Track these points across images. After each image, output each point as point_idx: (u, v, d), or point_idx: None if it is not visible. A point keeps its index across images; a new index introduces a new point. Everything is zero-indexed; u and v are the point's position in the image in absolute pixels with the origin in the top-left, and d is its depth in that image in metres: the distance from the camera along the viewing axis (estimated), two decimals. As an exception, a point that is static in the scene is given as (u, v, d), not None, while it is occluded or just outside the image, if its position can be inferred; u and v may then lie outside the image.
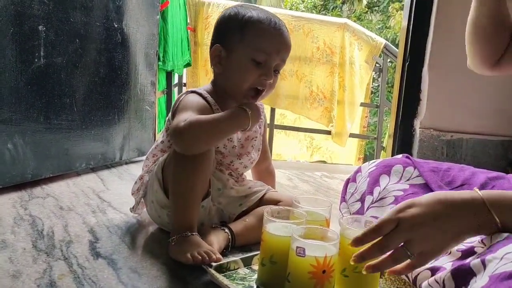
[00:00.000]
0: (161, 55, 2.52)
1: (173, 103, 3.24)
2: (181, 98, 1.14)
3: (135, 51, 1.85)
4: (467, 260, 0.73)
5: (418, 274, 0.84)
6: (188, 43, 2.96)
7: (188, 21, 3.10)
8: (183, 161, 1.03)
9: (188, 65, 2.99)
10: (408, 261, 0.75)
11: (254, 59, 1.08)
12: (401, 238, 0.74)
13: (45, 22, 1.44)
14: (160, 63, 2.53)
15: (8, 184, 1.40)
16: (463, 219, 0.73)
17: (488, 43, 1.13)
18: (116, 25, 1.73)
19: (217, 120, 1.02)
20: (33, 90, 1.44)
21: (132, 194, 1.23)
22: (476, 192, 0.75)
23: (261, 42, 1.09)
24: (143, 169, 1.23)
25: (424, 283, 0.79)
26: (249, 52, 1.08)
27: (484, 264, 0.66)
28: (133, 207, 1.24)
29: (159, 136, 1.21)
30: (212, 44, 1.15)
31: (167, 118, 1.19)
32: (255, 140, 1.23)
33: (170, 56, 2.63)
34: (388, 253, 0.76)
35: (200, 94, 1.13)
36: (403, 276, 0.89)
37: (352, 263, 0.77)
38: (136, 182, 1.22)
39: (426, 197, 0.77)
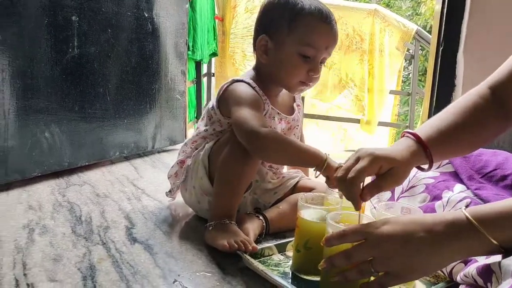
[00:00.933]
0: (190, 44, 2.53)
1: (205, 92, 3.19)
2: (227, 87, 1.11)
3: (165, 40, 1.86)
4: (490, 259, 0.70)
5: (453, 267, 0.83)
6: (215, 32, 2.97)
7: (216, 10, 3.10)
8: (236, 151, 1.03)
9: (214, 54, 3.00)
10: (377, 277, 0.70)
11: (302, 53, 1.06)
12: (365, 253, 0.69)
13: (78, 12, 1.46)
14: (189, 52, 2.54)
15: (46, 172, 1.44)
16: (441, 243, 0.65)
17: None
18: (146, 15, 1.74)
19: (296, 151, 1.00)
20: (68, 80, 1.47)
21: (169, 177, 1.23)
22: (460, 212, 0.66)
23: (311, 37, 1.05)
24: (179, 154, 1.23)
25: (458, 276, 0.77)
26: (297, 47, 1.05)
27: (500, 265, 0.64)
28: (170, 191, 1.25)
29: (199, 124, 1.21)
30: (257, 30, 1.12)
31: (209, 106, 1.17)
32: (297, 129, 1.21)
33: (199, 46, 2.64)
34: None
35: (248, 84, 1.10)
36: (439, 271, 0.88)
37: (320, 266, 0.74)
38: (173, 166, 1.22)
39: (404, 217, 0.72)
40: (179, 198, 1.25)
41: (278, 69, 1.10)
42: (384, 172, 0.77)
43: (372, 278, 0.71)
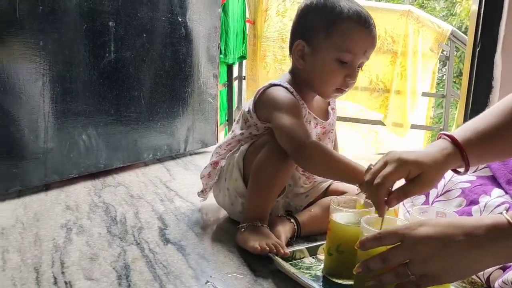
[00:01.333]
0: (222, 48, 2.55)
1: (236, 95, 3.21)
2: (265, 91, 1.10)
3: (198, 44, 1.89)
4: None
5: (490, 274, 0.81)
6: (244, 35, 2.98)
7: (247, 14, 3.12)
8: (273, 156, 1.03)
9: (242, 57, 3.02)
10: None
11: (339, 59, 1.03)
12: (401, 256, 0.68)
13: (115, 18, 1.50)
14: (222, 56, 2.57)
15: (83, 173, 1.49)
16: (481, 247, 0.64)
17: None
18: (180, 19, 1.77)
19: (342, 167, 0.97)
20: (105, 83, 1.51)
21: (201, 178, 1.23)
22: (501, 216, 0.65)
23: (349, 42, 1.03)
24: (213, 155, 1.23)
25: (496, 283, 0.75)
26: (335, 52, 1.03)
27: None
28: (202, 191, 1.24)
29: (234, 127, 1.19)
30: (294, 34, 1.11)
31: (246, 109, 1.15)
32: (332, 133, 1.20)
33: (231, 49, 2.67)
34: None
35: (286, 88, 1.09)
36: (474, 277, 0.85)
37: (355, 271, 0.73)
38: (206, 167, 1.22)
39: (442, 219, 0.70)
40: (211, 200, 1.26)
41: (314, 75, 1.08)
42: (413, 177, 0.76)
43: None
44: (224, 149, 1.21)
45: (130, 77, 1.60)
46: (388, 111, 3.34)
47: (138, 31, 1.59)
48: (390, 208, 0.96)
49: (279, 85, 1.09)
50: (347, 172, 0.96)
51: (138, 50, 1.61)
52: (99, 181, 1.50)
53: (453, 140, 0.79)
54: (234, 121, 1.33)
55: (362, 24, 1.03)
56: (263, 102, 1.09)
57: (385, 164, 0.76)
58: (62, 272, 0.89)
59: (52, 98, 1.36)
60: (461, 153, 0.78)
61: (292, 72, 1.14)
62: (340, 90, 1.08)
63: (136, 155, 1.68)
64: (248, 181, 1.08)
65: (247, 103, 1.16)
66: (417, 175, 0.76)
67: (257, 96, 1.11)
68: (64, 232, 1.09)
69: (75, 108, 1.42)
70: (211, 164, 1.22)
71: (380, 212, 0.77)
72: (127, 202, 1.32)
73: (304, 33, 1.08)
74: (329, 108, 1.20)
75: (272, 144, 1.03)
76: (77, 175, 1.47)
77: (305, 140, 0.97)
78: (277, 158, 1.03)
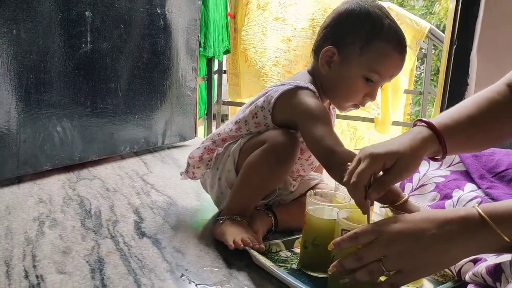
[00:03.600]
0: (202, 41, 2.53)
1: (216, 88, 3.16)
2: (291, 93, 1.02)
3: (177, 36, 1.87)
4: (499, 258, 0.69)
5: (462, 267, 0.82)
6: (228, 29, 2.96)
7: (228, 7, 3.10)
8: (271, 157, 0.99)
9: (227, 52, 3.00)
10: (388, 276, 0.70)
11: (367, 77, 1.01)
12: (377, 252, 0.68)
13: (92, 8, 1.47)
14: (201, 49, 2.55)
15: (57, 165, 1.46)
16: (453, 239, 0.65)
17: None
18: (159, 11, 1.74)
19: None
20: (80, 74, 1.48)
21: (191, 158, 1.16)
22: (473, 209, 0.66)
23: (381, 65, 1.00)
24: (207, 139, 1.16)
25: (467, 276, 0.77)
26: (364, 70, 1.00)
27: (511, 264, 0.63)
28: (187, 171, 1.18)
29: (232, 121, 1.13)
30: (325, 36, 1.05)
31: (259, 103, 1.07)
32: None
33: (211, 43, 2.64)
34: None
35: (314, 92, 1.02)
36: (446, 269, 0.87)
37: (330, 271, 0.73)
38: (199, 148, 1.16)
39: (415, 214, 0.70)
40: (187, 193, 1.25)
41: (337, 85, 1.04)
42: (389, 167, 0.75)
43: (382, 278, 0.71)
44: (223, 139, 1.14)
45: (107, 68, 1.57)
46: (378, 108, 3.36)
47: (115, 22, 1.57)
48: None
49: (307, 88, 1.02)
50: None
51: (116, 41, 1.58)
52: (74, 174, 1.47)
53: (429, 125, 0.79)
54: (228, 116, 1.29)
55: (399, 50, 1.00)
56: (291, 106, 1.01)
57: (359, 162, 0.76)
58: (34, 266, 0.87)
59: (25, 89, 1.32)
60: (438, 137, 0.78)
61: (312, 73, 1.09)
62: (356, 106, 1.06)
63: (113, 148, 1.65)
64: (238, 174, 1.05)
65: (258, 97, 1.10)
66: (393, 164, 0.75)
67: (279, 96, 1.03)
68: (36, 225, 1.06)
69: (49, 99, 1.39)
70: (204, 148, 1.15)
71: (363, 209, 0.75)
72: (102, 195, 1.30)
73: (337, 40, 1.03)
74: (331, 107, 1.18)
75: (271, 145, 1.00)
76: (51, 168, 1.44)
77: (335, 148, 0.90)
78: (274, 161, 0.99)
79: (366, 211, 0.75)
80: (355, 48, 1.00)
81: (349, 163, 0.79)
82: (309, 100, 0.99)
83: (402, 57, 1.02)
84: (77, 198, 1.26)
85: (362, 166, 0.74)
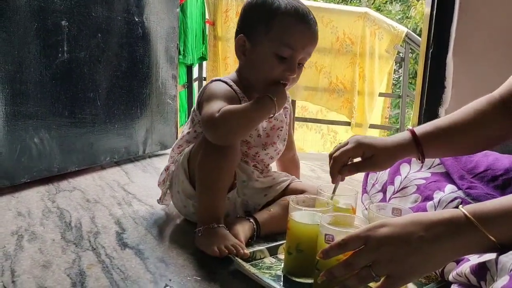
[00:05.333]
0: (181, 48, 2.52)
1: (196, 96, 3.21)
2: (206, 87, 1.13)
3: (156, 44, 1.86)
4: (483, 257, 0.70)
5: (445, 267, 0.83)
6: (204, 36, 2.96)
7: (207, 15, 3.10)
8: (210, 152, 1.02)
9: (203, 58, 2.99)
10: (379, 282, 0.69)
11: (278, 54, 1.05)
12: (366, 258, 0.68)
13: (68, 17, 1.45)
14: (181, 56, 2.54)
15: (35, 177, 1.43)
16: (441, 241, 0.65)
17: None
18: (137, 19, 1.73)
19: (248, 110, 1.01)
20: (58, 84, 1.45)
21: (158, 185, 1.24)
22: (458, 210, 0.67)
23: (287, 37, 1.04)
24: (169, 160, 1.23)
25: (451, 276, 0.77)
26: (273, 47, 1.05)
27: (497, 262, 0.64)
28: (160, 198, 1.24)
29: (184, 127, 1.21)
30: (237, 32, 1.12)
31: (193, 108, 1.18)
32: (281, 130, 1.21)
33: (190, 50, 2.64)
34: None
35: (225, 82, 1.12)
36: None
37: (319, 280, 0.73)
38: (161, 173, 1.22)
39: (401, 218, 0.71)
40: (170, 203, 1.25)
41: (254, 68, 1.10)
42: (367, 157, 0.92)
43: (372, 284, 0.71)
44: (177, 152, 1.20)
45: (84, 78, 1.55)
46: (352, 111, 3.40)
47: (92, 31, 1.55)
48: (348, 206, 0.98)
49: (220, 80, 1.12)
50: (256, 107, 1.02)
51: (93, 50, 1.56)
52: (53, 186, 1.45)
53: (411, 133, 0.93)
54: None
55: (300, 18, 1.06)
56: (206, 97, 1.08)
57: (346, 143, 0.94)
58: (13, 281, 0.85)
59: (0, 100, 1.29)
60: (416, 144, 0.91)
61: (239, 70, 1.16)
62: (283, 84, 1.09)
63: (92, 158, 1.63)
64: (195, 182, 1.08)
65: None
66: (370, 156, 0.92)
67: (202, 93, 1.12)
68: (15, 239, 1.04)
69: (25, 110, 1.36)
70: (165, 170, 1.21)
71: (333, 180, 0.95)
72: (82, 206, 1.28)
73: (245, 29, 1.10)
74: (287, 106, 1.21)
75: (206, 141, 1.02)
76: (29, 180, 1.41)
77: (213, 114, 0.97)
78: (217, 154, 1.02)
79: (335, 181, 0.95)
80: (260, 30, 1.07)
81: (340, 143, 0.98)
82: (216, 86, 1.10)
83: (306, 26, 1.07)
84: (56, 210, 1.23)
85: (347, 147, 0.93)
